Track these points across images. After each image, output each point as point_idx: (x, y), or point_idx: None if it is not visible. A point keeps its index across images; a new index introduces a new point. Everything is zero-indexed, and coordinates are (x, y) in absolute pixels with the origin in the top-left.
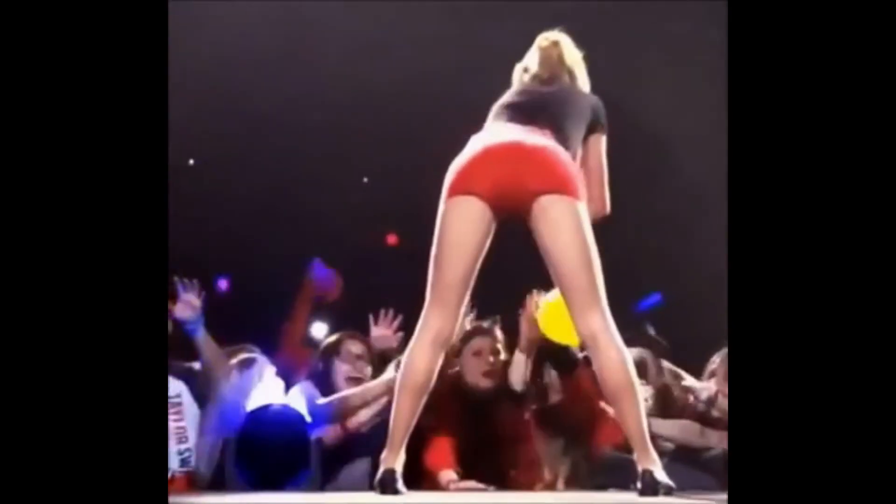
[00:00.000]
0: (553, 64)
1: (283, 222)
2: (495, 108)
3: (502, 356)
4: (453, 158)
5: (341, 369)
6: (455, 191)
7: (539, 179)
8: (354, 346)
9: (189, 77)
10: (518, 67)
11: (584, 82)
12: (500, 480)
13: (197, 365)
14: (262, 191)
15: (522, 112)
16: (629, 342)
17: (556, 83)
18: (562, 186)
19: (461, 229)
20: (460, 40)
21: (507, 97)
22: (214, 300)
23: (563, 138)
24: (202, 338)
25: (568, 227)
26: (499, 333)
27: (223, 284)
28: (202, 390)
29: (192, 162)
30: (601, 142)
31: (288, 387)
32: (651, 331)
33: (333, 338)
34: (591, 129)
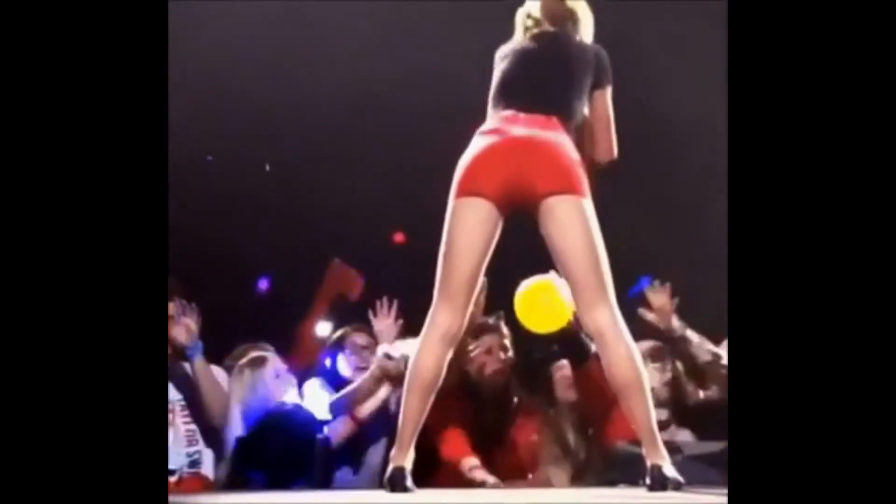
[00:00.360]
0: (555, 6)
1: (287, 221)
2: (496, 88)
3: (510, 352)
4: (460, 156)
5: (350, 361)
6: (462, 192)
7: (546, 181)
8: (360, 338)
9: (189, 77)
10: (520, 13)
11: (587, 25)
12: (507, 477)
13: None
14: (266, 190)
15: (525, 96)
16: (643, 334)
17: (560, 30)
18: (568, 186)
19: (469, 231)
20: (465, 38)
21: (507, 68)
22: (216, 297)
23: (569, 118)
24: (199, 365)
25: (575, 227)
26: (504, 329)
27: (263, 284)
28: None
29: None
30: (607, 94)
31: (301, 384)
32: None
33: (339, 332)
34: (596, 85)
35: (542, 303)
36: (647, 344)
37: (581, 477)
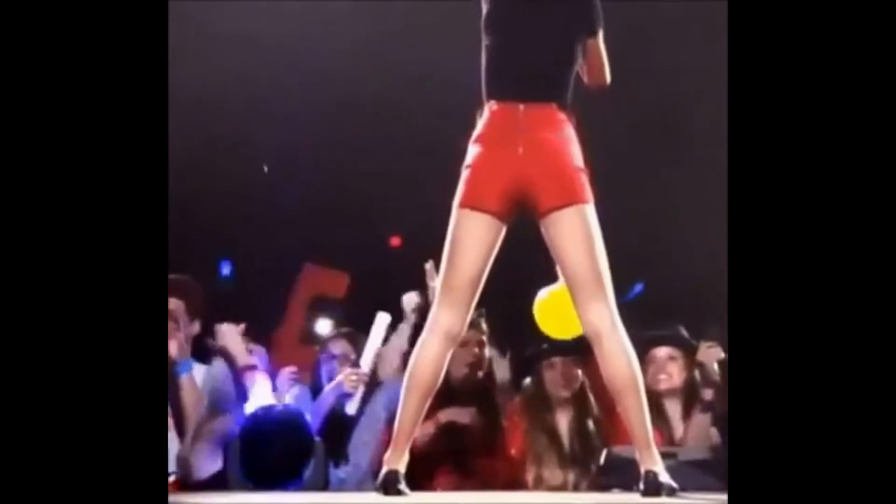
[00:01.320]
0: None
1: (284, 222)
2: (488, 69)
3: (487, 349)
4: (458, 159)
5: (324, 370)
6: (465, 203)
7: (549, 196)
8: (335, 347)
9: (189, 77)
10: None
11: None
12: (479, 473)
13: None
14: (264, 190)
15: (521, 85)
16: (660, 340)
17: None
18: (572, 198)
19: (471, 241)
20: (462, 40)
21: (498, 43)
22: (216, 296)
23: (567, 98)
24: (185, 382)
25: (577, 235)
26: (484, 326)
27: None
28: None
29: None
30: (599, 40)
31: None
32: (683, 331)
33: (325, 338)
34: (589, 34)
35: (562, 309)
36: (666, 350)
37: (573, 472)
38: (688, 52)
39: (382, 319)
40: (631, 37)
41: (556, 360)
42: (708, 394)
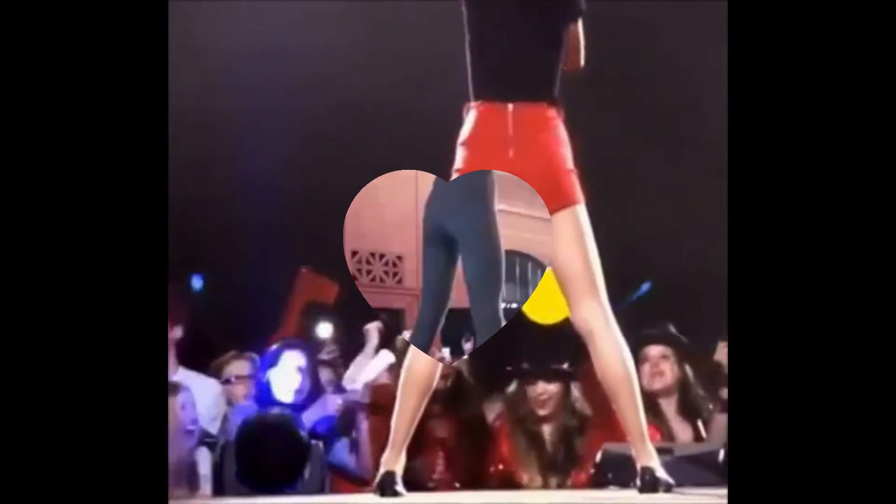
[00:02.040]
0: None
1: (280, 224)
2: (476, 69)
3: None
4: (452, 160)
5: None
6: None
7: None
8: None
9: (188, 77)
10: None
11: None
12: (468, 477)
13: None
14: (258, 191)
15: (509, 83)
16: (652, 339)
17: None
18: (563, 201)
19: None
20: (458, 41)
21: (485, 41)
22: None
23: (556, 94)
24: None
25: (570, 237)
26: None
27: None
28: None
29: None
30: (579, 26)
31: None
32: (672, 329)
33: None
34: (571, 20)
35: (543, 294)
36: (658, 349)
37: (556, 474)
38: (689, 52)
39: (385, 357)
40: (632, 37)
41: (538, 382)
42: (725, 393)
